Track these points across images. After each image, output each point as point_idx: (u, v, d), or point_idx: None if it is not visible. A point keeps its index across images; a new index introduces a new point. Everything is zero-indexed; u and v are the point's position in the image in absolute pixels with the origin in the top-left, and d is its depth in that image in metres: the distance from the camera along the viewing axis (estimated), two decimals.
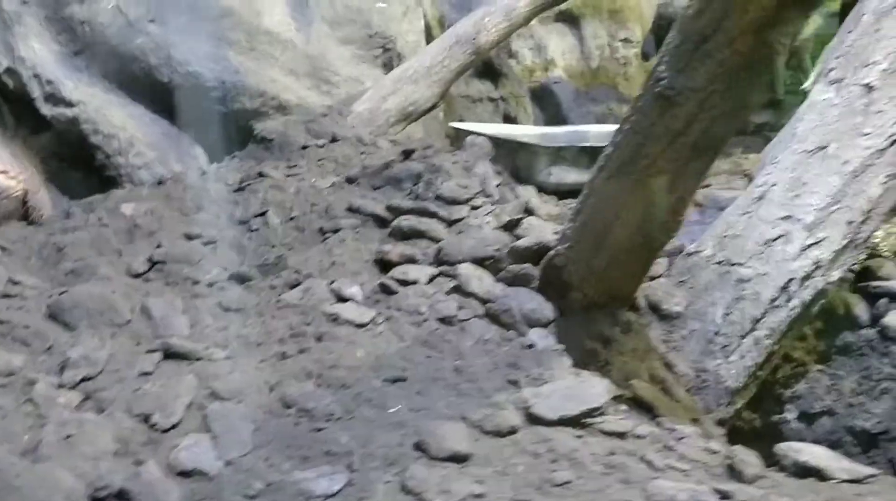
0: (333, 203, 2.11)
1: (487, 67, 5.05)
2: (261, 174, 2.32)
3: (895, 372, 1.90)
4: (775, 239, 1.84)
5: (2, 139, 2.52)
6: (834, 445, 1.86)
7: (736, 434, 1.78)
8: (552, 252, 1.70)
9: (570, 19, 5.52)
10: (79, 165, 3.24)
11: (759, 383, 1.78)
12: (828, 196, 1.88)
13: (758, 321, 1.76)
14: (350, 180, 2.24)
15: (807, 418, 1.91)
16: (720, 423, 1.66)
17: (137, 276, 1.83)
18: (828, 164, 1.92)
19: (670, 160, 1.52)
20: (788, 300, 1.79)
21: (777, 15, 1.37)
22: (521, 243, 1.79)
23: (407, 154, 2.27)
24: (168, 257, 1.89)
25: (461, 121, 4.88)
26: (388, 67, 3.93)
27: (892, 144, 1.95)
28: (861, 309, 2.05)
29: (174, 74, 3.20)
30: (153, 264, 1.87)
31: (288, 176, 2.34)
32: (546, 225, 2.06)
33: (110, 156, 3.14)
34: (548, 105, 5.24)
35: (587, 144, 2.36)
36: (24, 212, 2.39)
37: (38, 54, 3.01)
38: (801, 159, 1.95)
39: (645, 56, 5.54)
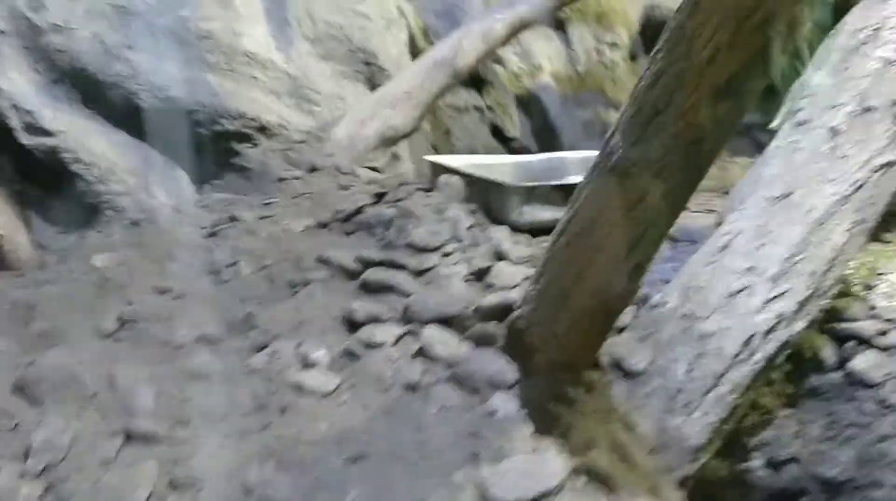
0: (305, 252, 2.12)
1: (472, 76, 5.03)
2: (233, 219, 2.32)
3: (861, 419, 1.92)
4: (739, 291, 1.85)
5: None
6: (800, 493, 1.89)
7: (702, 485, 1.80)
8: (515, 314, 1.72)
9: (557, 24, 5.51)
10: (59, 192, 3.25)
11: (724, 436, 1.80)
12: (792, 246, 1.89)
13: (721, 376, 1.77)
14: (322, 225, 2.25)
15: (773, 465, 1.93)
16: (683, 482, 1.68)
17: (108, 336, 1.85)
18: (792, 212, 1.93)
19: (627, 229, 1.53)
20: (752, 355, 1.80)
21: (729, 88, 1.38)
22: (487, 301, 1.81)
23: (379, 197, 2.28)
24: (138, 316, 1.91)
25: (447, 134, 4.89)
26: (370, 81, 3.93)
27: (856, 190, 1.96)
28: (828, 351, 2.07)
29: (153, 100, 3.21)
30: (123, 322, 1.89)
31: (261, 218, 2.36)
32: (516, 271, 2.08)
33: (91, 184, 3.16)
34: (535, 112, 5.23)
35: (559, 183, 2.36)
36: (1, 257, 2.40)
37: (17, 84, 3.02)
38: (766, 207, 1.96)
39: (633, 57, 5.54)
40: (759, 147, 6.14)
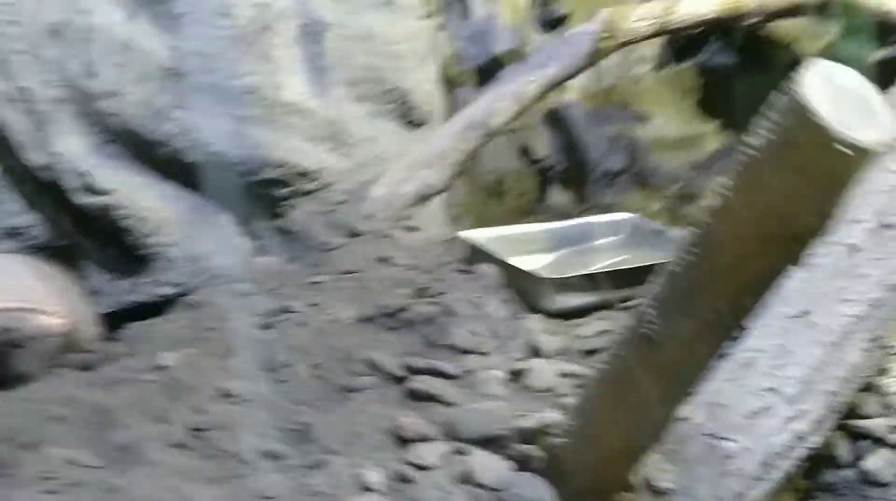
0: (353, 350, 2.29)
1: None
2: (286, 310, 2.49)
3: None
4: (760, 411, 2.00)
5: (35, 269, 2.69)
6: None
7: None
8: (552, 442, 1.89)
9: None
10: (112, 244, 3.44)
11: None
12: (809, 367, 2.03)
13: (741, 496, 1.94)
14: (368, 319, 2.41)
15: None
16: None
17: (180, 446, 2.03)
18: (810, 332, 2.07)
19: (658, 385, 1.69)
20: (770, 473, 1.96)
21: (756, 283, 1.52)
22: (527, 423, 1.97)
23: (421, 292, 2.44)
24: (208, 424, 2.09)
25: (474, 159, 4.99)
26: (403, 118, 4.07)
27: (875, 309, 2.09)
28: (843, 448, 2.22)
29: (199, 155, 3.36)
30: (194, 432, 2.07)
31: (311, 305, 2.52)
32: (551, 371, 2.25)
33: (143, 237, 3.34)
34: (561, 129, 5.31)
35: (592, 271, 2.51)
36: (70, 345, 2.58)
37: (73, 148, 3.19)
38: (786, 325, 2.10)
39: (661, 66, 5.57)
40: None
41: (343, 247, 2.95)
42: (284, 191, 3.66)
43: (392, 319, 2.37)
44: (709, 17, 3.55)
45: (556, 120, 5.24)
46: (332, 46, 3.77)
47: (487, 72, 5.07)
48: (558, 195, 5.36)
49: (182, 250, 3.46)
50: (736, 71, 5.49)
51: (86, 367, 2.51)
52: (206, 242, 3.55)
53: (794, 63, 1.33)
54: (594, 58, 3.34)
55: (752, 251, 1.46)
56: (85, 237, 3.46)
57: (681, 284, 1.57)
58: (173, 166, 3.46)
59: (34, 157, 3.19)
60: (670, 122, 5.82)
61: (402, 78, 4.05)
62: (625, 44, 3.43)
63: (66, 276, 2.92)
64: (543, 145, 5.16)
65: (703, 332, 1.58)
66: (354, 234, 3.12)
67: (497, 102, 3.30)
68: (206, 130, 3.43)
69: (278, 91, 3.62)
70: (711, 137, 6.00)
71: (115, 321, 3.05)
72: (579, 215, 3.49)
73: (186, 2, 3.30)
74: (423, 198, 3.37)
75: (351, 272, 2.75)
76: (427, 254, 2.88)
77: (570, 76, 3.46)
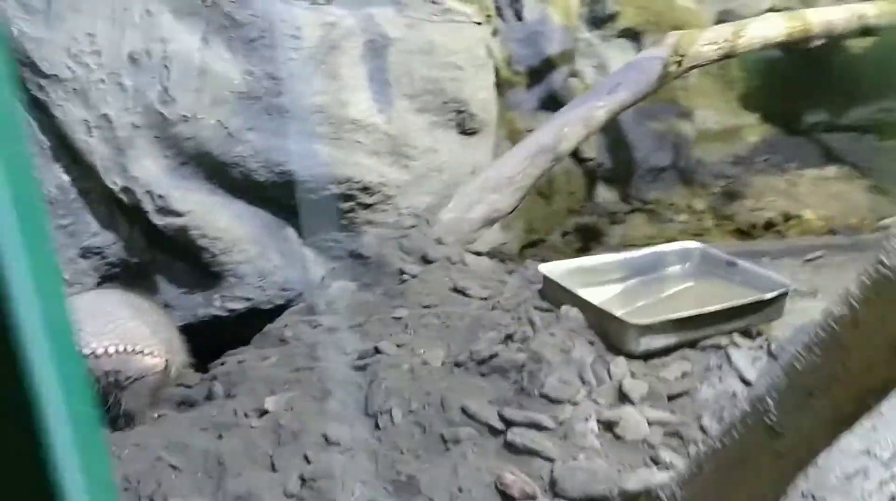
0: (447, 396, 2.37)
1: (550, 96, 5.15)
2: (377, 350, 2.56)
3: None
4: (855, 474, 2.08)
5: (133, 306, 2.76)
6: None
7: None
8: None
9: (632, 35, 5.56)
10: (184, 260, 3.52)
11: None
12: None
13: None
14: (458, 364, 2.49)
15: None
16: None
17: (293, 497, 2.13)
18: None
19: (772, 469, 1.77)
20: None
21: (882, 388, 1.58)
22: (630, 485, 2.06)
23: (508, 338, 2.51)
24: (316, 474, 2.18)
25: None
26: (460, 127, 4.12)
27: None
28: None
29: (270, 174, 3.44)
30: (304, 482, 2.17)
31: (399, 345, 2.59)
32: (641, 420, 2.33)
33: (216, 255, 3.42)
34: (608, 126, 5.35)
35: (676, 317, 2.58)
36: (168, 380, 2.67)
37: (149, 171, 3.25)
38: None
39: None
40: (826, 152, 6.21)
41: (418, 277, 3.01)
42: (347, 205, 3.73)
43: (483, 365, 2.44)
44: (777, 39, 3.56)
45: None
46: (395, 61, 3.81)
47: (539, 73, 5.09)
48: (605, 193, 5.42)
49: (253, 267, 3.54)
50: (777, 63, 5.49)
51: (185, 402, 2.59)
52: (275, 258, 3.64)
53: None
54: (662, 82, 3.36)
55: (882, 360, 1.52)
56: (158, 254, 3.54)
57: (803, 382, 1.63)
58: (245, 186, 3.52)
59: (114, 180, 3.25)
60: (714, 115, 5.84)
61: (460, 88, 4.09)
62: (692, 67, 3.45)
63: (158, 308, 3.00)
64: (591, 145, 5.19)
65: (824, 426, 1.64)
66: (427, 260, 3.18)
67: (567, 128, 3.34)
68: (277, 150, 3.49)
69: (344, 109, 3.68)
70: (753, 128, 6.02)
71: (187, 332, 3.15)
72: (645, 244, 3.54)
73: (258, 26, 3.33)
74: (490, 222, 3.43)
75: (430, 307, 2.81)
76: (501, 286, 2.94)
77: (638, 100, 3.49)
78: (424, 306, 2.77)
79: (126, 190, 3.27)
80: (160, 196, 3.31)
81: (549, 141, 3.35)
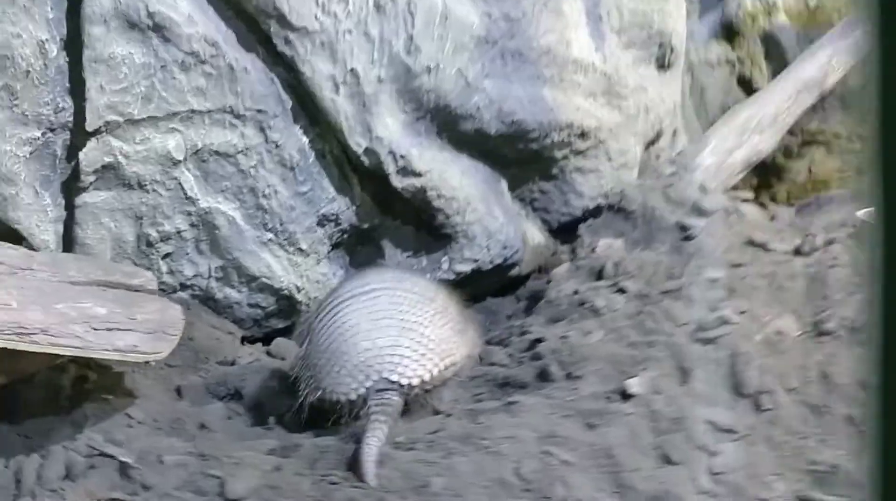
0: (831, 373, 2.18)
1: (727, 28, 4.88)
2: (722, 320, 2.36)
3: None
4: None
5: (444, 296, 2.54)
6: None
7: None
8: None
9: None
10: (413, 222, 3.30)
11: None
12: None
13: None
14: (823, 333, 2.29)
15: None
16: None
17: (708, 494, 1.95)
18: None
19: None
20: None
21: None
22: None
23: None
24: (724, 467, 2.00)
25: (701, 92, 4.80)
26: (659, 62, 3.86)
27: None
28: None
29: (500, 125, 3.20)
30: (713, 474, 1.99)
31: (740, 313, 2.39)
32: None
33: (450, 216, 3.20)
34: (773, 54, 5.09)
35: None
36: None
37: (391, 130, 3.01)
38: None
39: None
40: None
41: (704, 231, 2.79)
42: (561, 153, 3.49)
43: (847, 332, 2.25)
44: None
45: (770, 45, 5.00)
46: None
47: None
48: None
49: (482, 227, 3.32)
50: None
51: (510, 384, 2.40)
52: (499, 215, 3.41)
53: None
54: None
55: None
56: (386, 218, 3.31)
57: None
58: (471, 140, 3.28)
59: (358, 141, 2.99)
60: None
61: (664, 20, 3.82)
62: None
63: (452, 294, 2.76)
64: (763, 76, 4.93)
65: None
66: (701, 211, 2.96)
67: (833, 59, 3.07)
68: (508, 98, 3.24)
69: (568, 48, 3.41)
70: None
71: None
72: None
73: None
74: (750, 166, 3.19)
75: (740, 265, 2.60)
76: (802, 236, 2.73)
77: None
78: (734, 266, 2.56)
79: (369, 152, 3.01)
80: (402, 156, 3.06)
81: (816, 75, 3.09)
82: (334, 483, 2.06)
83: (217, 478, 2.11)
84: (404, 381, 2.26)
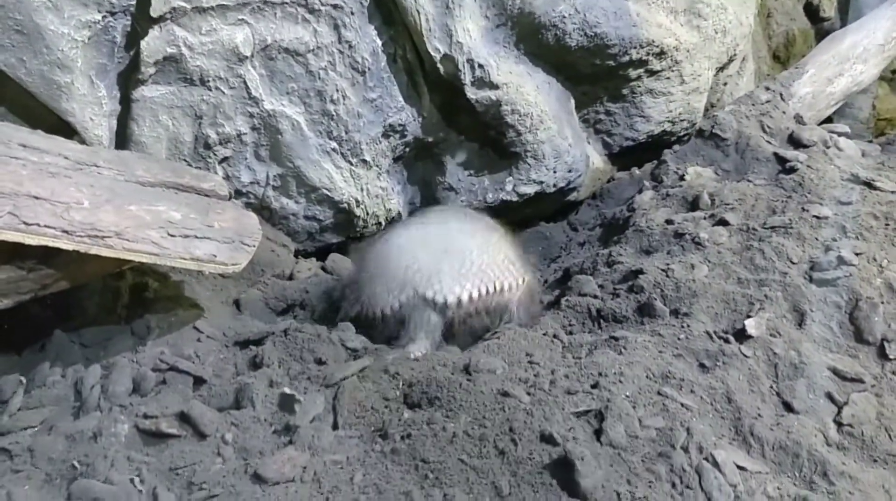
0: None
1: None
2: (841, 261, 2.19)
3: None
4: None
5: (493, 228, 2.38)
6: None
7: None
8: None
9: None
10: (479, 139, 3.11)
11: None
12: None
13: None
14: None
15: None
16: None
17: (832, 445, 1.82)
18: None
19: None
20: None
21: None
22: None
23: None
24: (852, 418, 1.86)
25: (768, 17, 4.58)
26: None
27: None
28: None
29: (581, 37, 2.99)
30: (840, 425, 1.85)
31: (857, 254, 2.23)
32: None
33: (521, 134, 3.03)
34: None
35: None
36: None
37: (472, 36, 2.80)
38: None
39: None
40: None
41: (805, 164, 2.60)
42: (635, 73, 3.28)
43: None
44: None
45: None
46: None
47: None
48: None
49: (552, 147, 3.13)
50: None
51: (603, 317, 2.24)
52: (569, 136, 3.21)
53: None
54: None
55: None
56: (451, 133, 3.10)
57: None
58: (549, 52, 3.06)
59: (436, 46, 2.76)
60: None
61: None
62: None
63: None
64: (832, 4, 4.72)
65: None
66: (796, 143, 2.77)
67: None
68: (594, 8, 3.01)
69: None
70: None
71: None
72: None
73: None
74: (849, 97, 2.99)
75: (847, 203, 2.43)
76: None
77: None
78: (842, 203, 2.38)
79: (446, 59, 2.78)
80: (480, 66, 2.83)
81: None
82: None
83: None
84: (440, 298, 2.11)
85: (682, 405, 1.86)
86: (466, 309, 2.17)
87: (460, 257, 2.22)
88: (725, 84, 3.86)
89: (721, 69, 3.70)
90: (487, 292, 2.19)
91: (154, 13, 2.38)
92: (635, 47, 3.15)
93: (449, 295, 2.16)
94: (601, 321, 2.26)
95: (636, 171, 3.39)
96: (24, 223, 1.77)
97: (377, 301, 2.20)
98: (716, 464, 1.71)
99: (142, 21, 2.41)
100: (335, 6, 2.60)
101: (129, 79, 2.51)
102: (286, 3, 2.54)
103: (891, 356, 2.01)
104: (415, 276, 2.17)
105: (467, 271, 2.19)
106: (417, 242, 2.29)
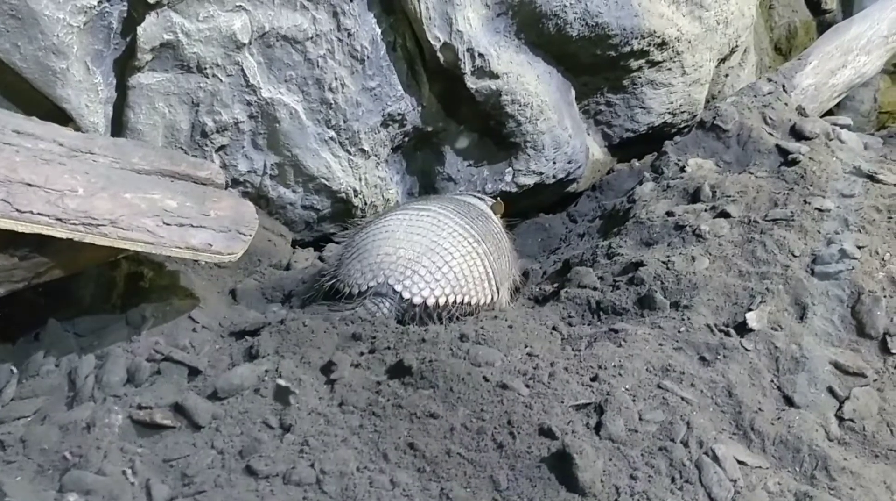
0: None
1: None
2: (843, 254, 2.17)
3: None
4: None
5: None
6: None
7: None
8: None
9: None
10: (478, 129, 3.09)
11: None
12: None
13: None
14: None
15: None
16: None
17: (837, 441, 1.80)
18: None
19: None
20: None
21: None
22: None
23: None
24: (853, 414, 1.85)
25: (770, 9, 4.56)
26: None
27: None
28: None
29: (582, 27, 2.96)
30: (841, 420, 1.84)
31: (859, 247, 2.21)
32: None
33: (521, 124, 3.00)
34: None
35: None
36: None
37: (472, 25, 2.77)
38: None
39: None
40: None
41: (805, 158, 2.58)
42: (636, 64, 3.26)
43: None
44: None
45: None
46: None
47: None
48: None
49: (552, 138, 3.10)
50: None
51: (602, 309, 2.22)
52: (569, 126, 3.18)
53: None
54: None
55: None
56: (451, 123, 3.07)
57: None
58: (549, 41, 3.03)
59: (437, 35, 2.73)
60: None
61: None
62: None
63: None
64: None
65: None
66: (798, 135, 2.75)
67: None
68: None
69: None
70: None
71: None
72: None
73: None
74: (852, 88, 2.97)
75: (849, 196, 2.41)
76: None
77: None
78: (845, 196, 2.36)
79: (446, 47, 2.75)
80: (480, 55, 2.81)
81: None
82: None
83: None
84: (406, 295, 2.12)
85: (683, 398, 1.84)
86: (430, 312, 2.16)
87: (440, 260, 2.21)
88: (727, 76, 3.84)
89: (722, 61, 3.68)
90: (455, 302, 2.19)
91: None
92: (637, 38, 3.12)
93: (416, 297, 2.15)
94: (601, 313, 2.24)
95: (636, 162, 3.37)
96: (18, 211, 1.74)
97: (350, 280, 2.18)
98: (716, 459, 1.69)
99: (138, 7, 2.38)
100: None
101: (125, 65, 2.48)
102: None
103: (893, 351, 1.99)
104: (390, 266, 2.16)
105: (442, 277, 2.18)
106: (404, 231, 2.27)
